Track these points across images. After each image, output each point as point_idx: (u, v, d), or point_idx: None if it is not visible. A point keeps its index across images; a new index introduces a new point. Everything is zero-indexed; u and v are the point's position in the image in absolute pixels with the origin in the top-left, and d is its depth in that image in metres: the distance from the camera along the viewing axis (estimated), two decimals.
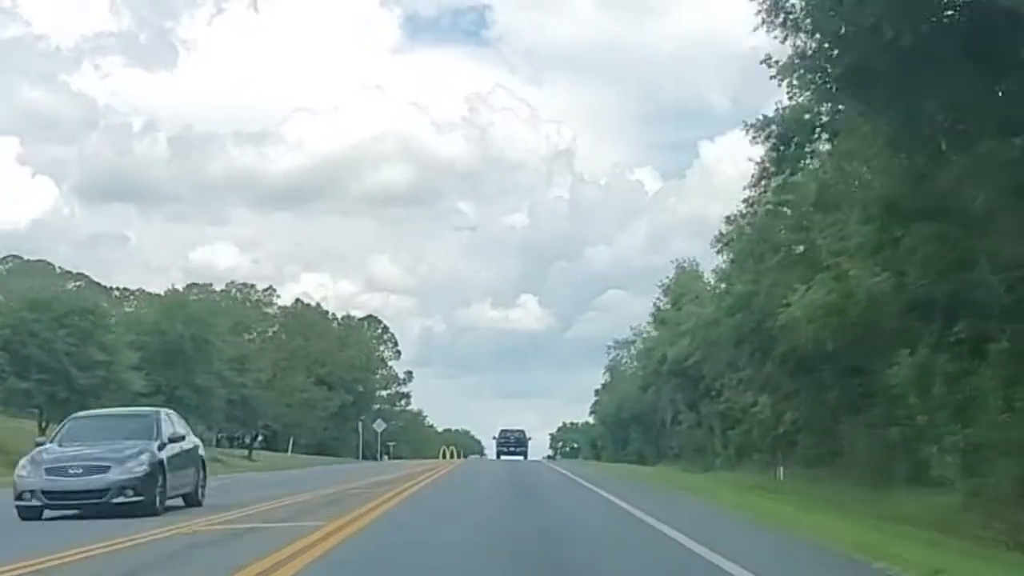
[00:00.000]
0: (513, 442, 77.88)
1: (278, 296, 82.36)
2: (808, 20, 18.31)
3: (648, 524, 16.40)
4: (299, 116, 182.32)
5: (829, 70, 18.76)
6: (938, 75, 17.69)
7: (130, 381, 41.25)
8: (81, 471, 18.03)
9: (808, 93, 22.46)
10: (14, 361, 38.50)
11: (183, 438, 20.10)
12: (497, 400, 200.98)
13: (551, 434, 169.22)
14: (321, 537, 13.07)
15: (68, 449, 18.87)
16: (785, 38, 18.64)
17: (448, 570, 11.05)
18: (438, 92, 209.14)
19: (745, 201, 35.63)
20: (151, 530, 14.44)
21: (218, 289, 78.61)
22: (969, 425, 21.48)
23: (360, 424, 72.21)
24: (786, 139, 30.44)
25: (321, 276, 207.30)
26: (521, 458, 72.59)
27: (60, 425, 21.32)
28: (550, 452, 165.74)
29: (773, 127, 30.07)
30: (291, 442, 69.53)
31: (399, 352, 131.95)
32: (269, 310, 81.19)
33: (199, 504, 20.40)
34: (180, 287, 75.91)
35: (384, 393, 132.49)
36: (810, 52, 18.70)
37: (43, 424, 39.01)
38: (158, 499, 18.12)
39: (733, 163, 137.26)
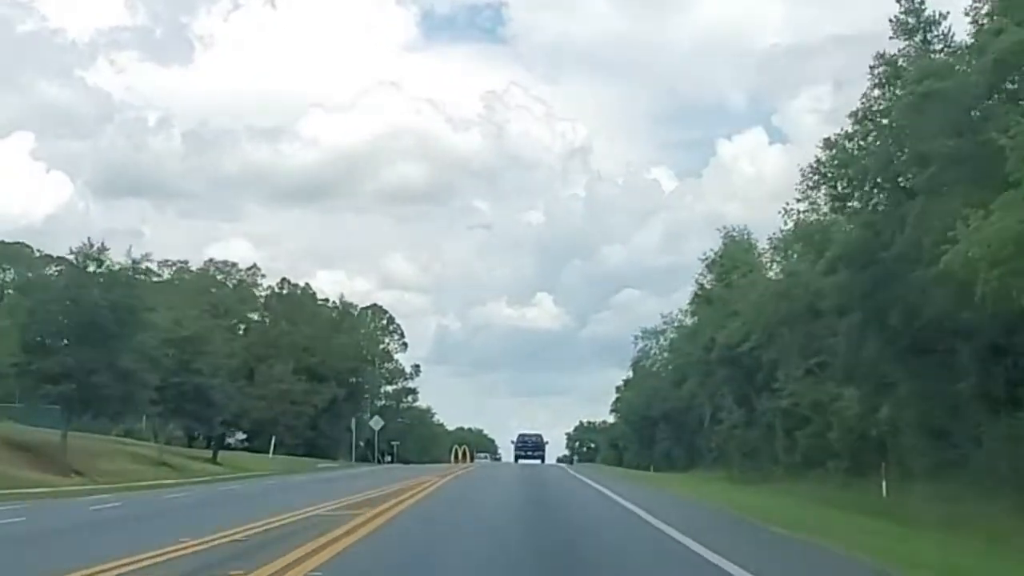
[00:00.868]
0: (531, 446, 78.10)
1: (263, 276, 73.41)
2: None
3: None
4: (314, 112, 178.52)
5: None
6: None
7: None
8: None
9: None
10: None
11: None
12: (512, 399, 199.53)
13: (567, 433, 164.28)
14: None
15: None
16: None
17: None
18: (454, 89, 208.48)
19: (852, 116, 25.94)
20: None
21: (194, 268, 69.55)
22: None
23: (354, 421, 63.04)
24: None
25: (336, 273, 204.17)
26: (538, 461, 71.97)
27: None
28: (566, 452, 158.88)
29: None
30: (273, 442, 60.20)
31: (405, 344, 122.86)
32: (255, 292, 72.01)
33: None
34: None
35: (389, 388, 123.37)
36: None
37: None
38: None
39: (751, 161, 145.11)
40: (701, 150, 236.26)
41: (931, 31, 24.84)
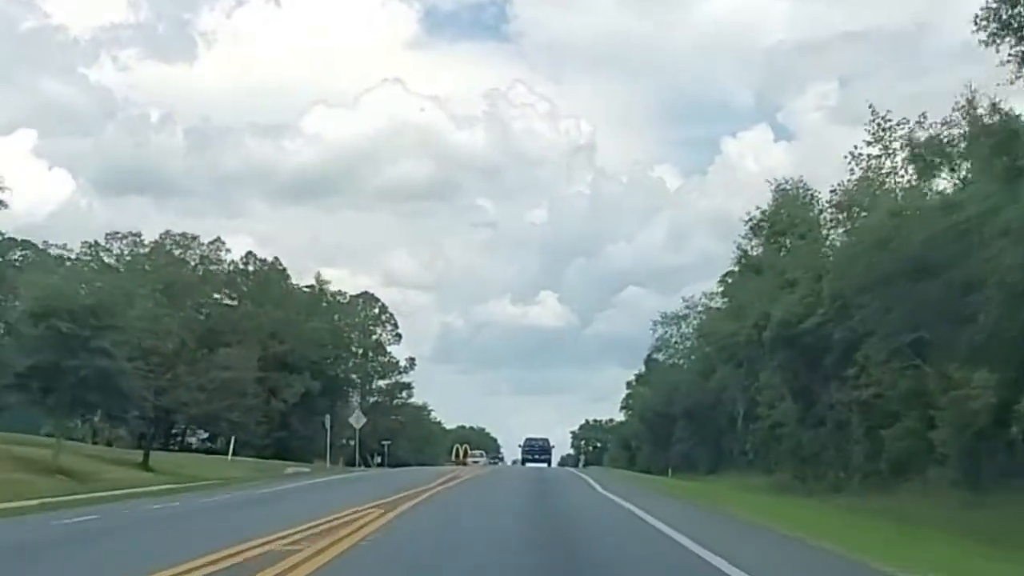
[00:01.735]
0: (538, 450, 79.50)
1: (228, 250, 63.71)
2: None
3: None
4: (317, 109, 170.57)
5: None
6: None
7: None
8: None
9: None
10: None
11: None
12: (516, 397, 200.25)
13: (573, 432, 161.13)
14: None
15: None
16: None
17: None
18: (457, 87, 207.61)
19: None
20: None
21: (148, 242, 60.00)
22: None
23: (328, 418, 53.60)
24: None
25: (339, 271, 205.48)
26: (545, 465, 71.56)
27: None
28: (571, 452, 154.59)
29: None
30: (232, 443, 50.73)
31: (399, 336, 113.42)
32: (215, 268, 62.44)
33: None
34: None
35: (382, 383, 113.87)
36: None
37: None
38: None
39: (756, 159, 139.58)
40: (706, 147, 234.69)
41: None
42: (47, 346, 28.65)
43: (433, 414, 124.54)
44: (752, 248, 44.41)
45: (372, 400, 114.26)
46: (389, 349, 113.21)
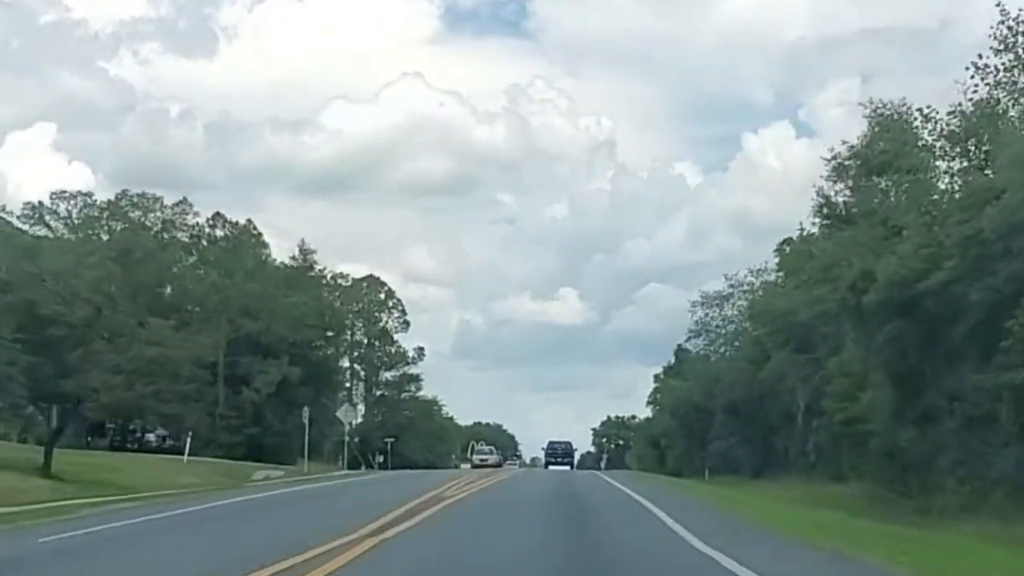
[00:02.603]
0: (560, 453, 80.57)
1: (196, 214, 53.94)
2: None
3: None
4: (337, 104, 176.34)
5: None
6: None
7: None
8: None
9: None
10: None
11: None
12: (535, 394, 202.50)
13: (593, 429, 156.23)
14: None
15: None
16: None
17: None
18: (477, 83, 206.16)
19: None
20: None
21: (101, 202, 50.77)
22: None
23: (306, 411, 43.90)
24: None
25: (358, 266, 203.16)
26: (567, 468, 71.35)
27: None
28: (591, 450, 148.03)
29: None
30: (189, 439, 41.61)
31: (407, 323, 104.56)
32: (180, 235, 52.95)
33: None
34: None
35: (389, 376, 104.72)
36: None
37: None
38: None
39: (777, 156, 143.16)
40: (727, 144, 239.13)
41: None
42: None
43: (445, 409, 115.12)
44: (836, 194, 35.00)
45: (378, 393, 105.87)
46: (397, 338, 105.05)
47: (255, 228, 54.44)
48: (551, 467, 74.26)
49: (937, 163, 30.97)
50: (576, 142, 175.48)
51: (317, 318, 52.96)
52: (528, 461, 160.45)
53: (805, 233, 41.76)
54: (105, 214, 50.30)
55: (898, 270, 26.31)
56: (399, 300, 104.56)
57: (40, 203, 50.09)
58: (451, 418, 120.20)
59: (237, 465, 45.75)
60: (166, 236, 52.26)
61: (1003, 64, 29.22)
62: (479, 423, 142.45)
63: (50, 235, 47.37)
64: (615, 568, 12.03)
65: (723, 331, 64.67)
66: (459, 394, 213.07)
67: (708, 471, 71.26)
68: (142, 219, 51.60)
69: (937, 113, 31.30)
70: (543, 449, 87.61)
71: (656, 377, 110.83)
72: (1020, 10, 29.28)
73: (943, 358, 27.31)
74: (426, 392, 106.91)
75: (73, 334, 28.89)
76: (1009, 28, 29.06)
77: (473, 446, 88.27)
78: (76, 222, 49.22)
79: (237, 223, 53.89)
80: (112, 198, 52.31)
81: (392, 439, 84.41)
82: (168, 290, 51.14)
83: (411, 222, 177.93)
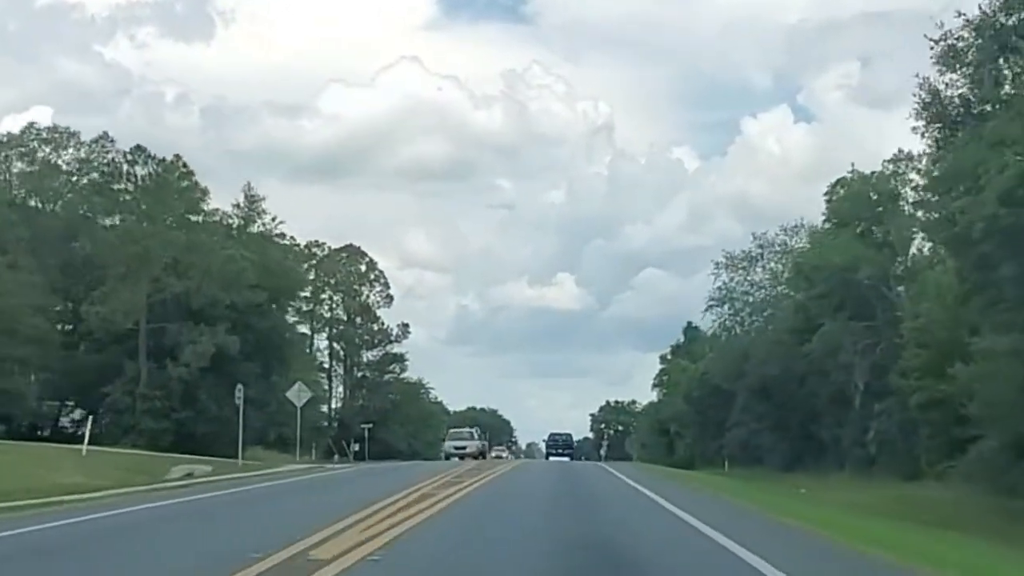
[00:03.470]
0: (562, 444, 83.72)
1: (119, 152, 43.98)
2: None
3: None
4: (334, 88, 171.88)
5: None
6: None
7: None
8: None
9: None
10: None
11: None
12: (532, 380, 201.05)
13: (592, 415, 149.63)
14: None
15: None
16: None
17: None
18: (475, 67, 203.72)
19: None
20: None
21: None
22: None
23: (240, 390, 34.16)
24: None
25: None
26: (568, 459, 71.19)
27: None
28: (590, 435, 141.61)
29: None
30: (88, 425, 32.34)
31: (390, 298, 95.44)
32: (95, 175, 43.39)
33: None
34: None
35: (370, 355, 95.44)
36: None
37: None
38: None
39: (776, 140, 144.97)
40: (725, 129, 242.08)
41: None
42: None
43: (433, 393, 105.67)
44: (948, 86, 25.64)
45: (359, 375, 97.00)
46: (379, 314, 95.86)
47: (185, 166, 44.53)
48: (551, 458, 77.23)
49: None
50: (574, 127, 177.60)
51: (263, 276, 43.19)
52: (524, 448, 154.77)
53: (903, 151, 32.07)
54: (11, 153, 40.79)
55: None
56: (381, 272, 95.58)
57: None
58: (440, 402, 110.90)
59: (156, 457, 36.52)
60: (83, 179, 42.79)
61: None
62: (472, 408, 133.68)
63: None
64: None
65: (750, 299, 55.20)
66: (455, 380, 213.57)
67: (727, 461, 62.48)
68: (52, 158, 42.24)
69: None
70: (544, 440, 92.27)
71: (663, 358, 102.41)
72: None
73: None
74: (412, 374, 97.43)
75: None
76: None
77: (448, 430, 73.78)
78: None
79: (164, 159, 43.82)
80: (17, 132, 42.79)
81: (370, 425, 75.01)
82: (78, 243, 41.75)
83: (408, 207, 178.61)
